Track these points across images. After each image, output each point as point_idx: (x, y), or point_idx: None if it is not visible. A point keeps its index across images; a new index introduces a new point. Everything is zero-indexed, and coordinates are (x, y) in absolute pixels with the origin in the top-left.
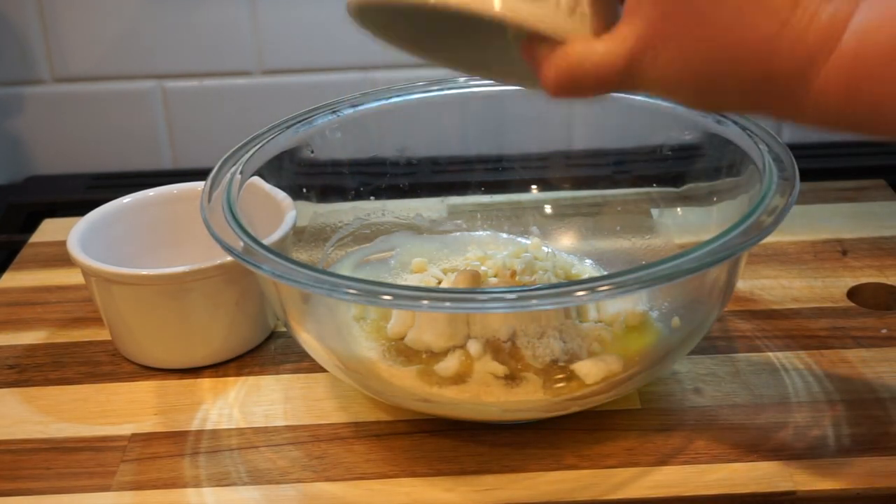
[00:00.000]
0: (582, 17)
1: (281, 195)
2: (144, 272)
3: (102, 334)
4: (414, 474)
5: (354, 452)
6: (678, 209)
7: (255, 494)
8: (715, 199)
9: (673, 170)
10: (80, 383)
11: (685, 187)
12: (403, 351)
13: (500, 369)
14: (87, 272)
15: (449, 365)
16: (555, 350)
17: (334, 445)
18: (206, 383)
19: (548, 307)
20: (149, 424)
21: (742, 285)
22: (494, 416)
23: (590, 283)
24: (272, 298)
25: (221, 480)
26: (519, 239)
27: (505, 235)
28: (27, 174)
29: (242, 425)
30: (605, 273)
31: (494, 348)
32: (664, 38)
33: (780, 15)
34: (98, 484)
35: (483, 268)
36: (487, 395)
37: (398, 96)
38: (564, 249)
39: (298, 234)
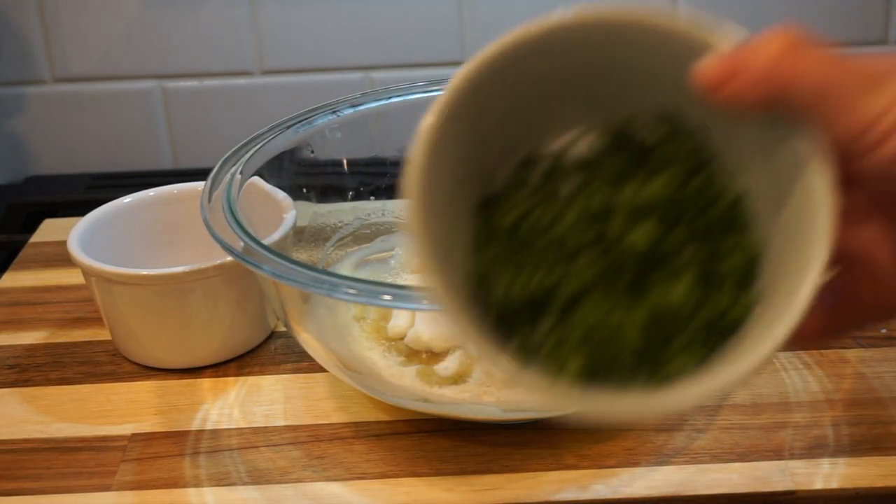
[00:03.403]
0: None
1: (281, 195)
2: (144, 272)
3: (102, 334)
4: (414, 474)
5: (354, 452)
6: None
7: (255, 494)
8: None
9: None
10: (81, 383)
11: None
12: (403, 351)
13: None
14: (87, 272)
15: (449, 365)
16: None
17: (334, 445)
18: (206, 383)
19: None
20: (149, 424)
21: None
22: (494, 416)
23: None
24: (272, 298)
25: (221, 480)
26: None
27: None
28: (27, 174)
29: (242, 425)
30: None
31: None
32: None
33: None
34: (98, 484)
35: None
36: (487, 395)
37: (398, 96)
38: None
39: (298, 234)
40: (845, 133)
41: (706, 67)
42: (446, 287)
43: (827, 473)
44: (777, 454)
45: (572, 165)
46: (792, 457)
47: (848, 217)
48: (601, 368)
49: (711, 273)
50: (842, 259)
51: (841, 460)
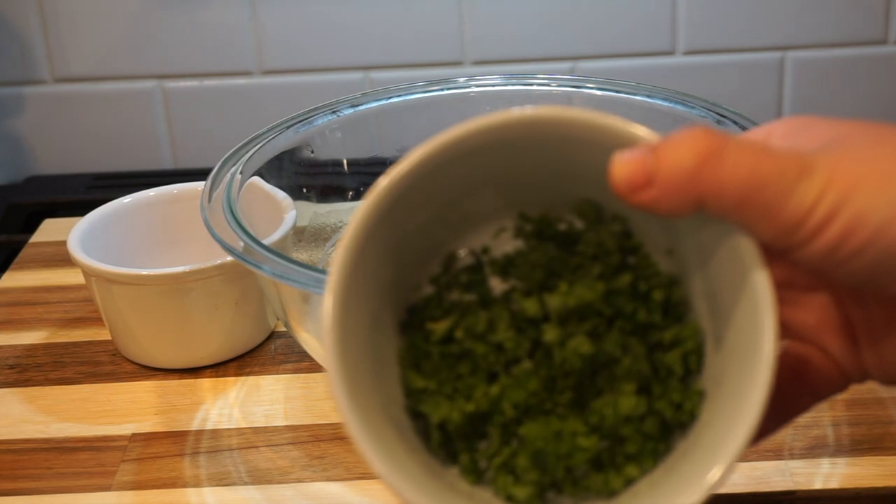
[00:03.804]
0: None
1: (281, 195)
2: (144, 272)
3: (102, 334)
4: None
5: (354, 452)
6: None
7: (255, 494)
8: None
9: None
10: (81, 383)
11: None
12: None
13: None
14: (87, 272)
15: None
16: None
17: (334, 445)
18: (206, 383)
19: None
20: (149, 424)
21: None
22: None
23: None
24: (272, 298)
25: (221, 480)
26: None
27: None
28: (27, 174)
29: (242, 425)
30: None
31: None
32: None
33: None
34: (98, 484)
35: None
36: None
37: (398, 96)
38: None
39: (298, 234)
40: (776, 232)
41: (618, 169)
42: (374, 449)
43: (827, 473)
44: (777, 454)
45: (498, 262)
46: (792, 457)
47: (789, 294)
48: (554, 483)
49: (657, 368)
50: (787, 336)
51: (841, 460)
